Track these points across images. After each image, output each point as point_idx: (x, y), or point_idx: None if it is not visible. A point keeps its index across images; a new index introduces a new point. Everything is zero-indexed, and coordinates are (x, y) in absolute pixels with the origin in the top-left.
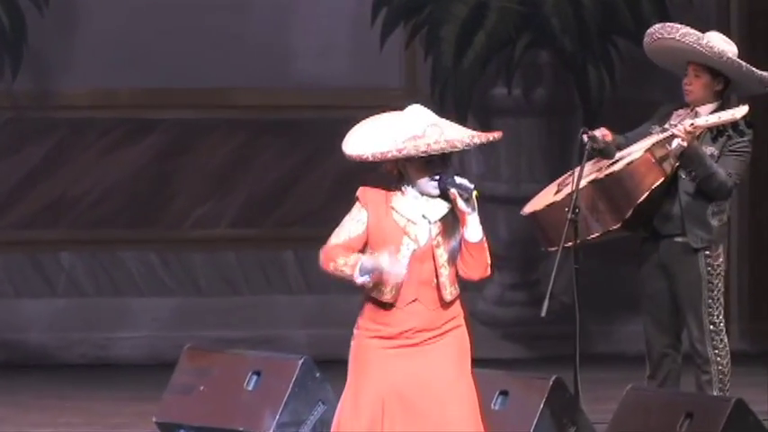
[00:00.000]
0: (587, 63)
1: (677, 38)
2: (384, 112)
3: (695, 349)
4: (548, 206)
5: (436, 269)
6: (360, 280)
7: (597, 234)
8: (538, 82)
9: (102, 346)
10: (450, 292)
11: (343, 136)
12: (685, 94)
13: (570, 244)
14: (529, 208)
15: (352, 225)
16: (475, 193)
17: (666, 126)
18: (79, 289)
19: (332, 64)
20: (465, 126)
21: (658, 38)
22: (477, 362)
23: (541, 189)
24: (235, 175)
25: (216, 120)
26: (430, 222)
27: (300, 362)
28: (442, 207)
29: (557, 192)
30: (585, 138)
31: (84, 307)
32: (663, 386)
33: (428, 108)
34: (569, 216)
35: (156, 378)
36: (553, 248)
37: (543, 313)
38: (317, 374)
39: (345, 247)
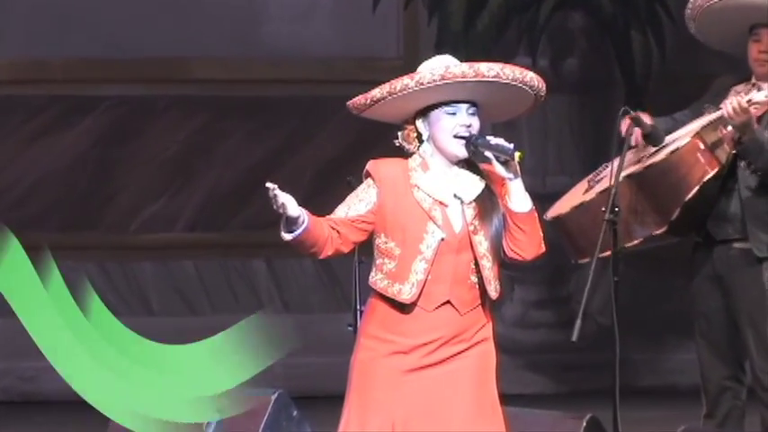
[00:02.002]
0: (630, 27)
1: None
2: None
3: (759, 381)
4: (575, 208)
5: (477, 261)
6: (285, 237)
7: (638, 240)
8: (569, 51)
9: (28, 379)
10: (495, 288)
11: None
12: (756, 65)
13: (608, 254)
14: (553, 212)
15: (354, 202)
16: (518, 154)
17: (722, 106)
18: (0, 308)
19: (312, 28)
20: None
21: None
22: None
23: (573, 184)
24: (193, 166)
25: (169, 97)
26: (464, 203)
27: (274, 397)
28: (478, 184)
29: (587, 190)
30: (627, 120)
31: (7, 330)
32: (723, 427)
33: None
34: (606, 217)
35: (94, 417)
36: (584, 259)
37: (574, 338)
38: (294, 413)
39: (338, 223)
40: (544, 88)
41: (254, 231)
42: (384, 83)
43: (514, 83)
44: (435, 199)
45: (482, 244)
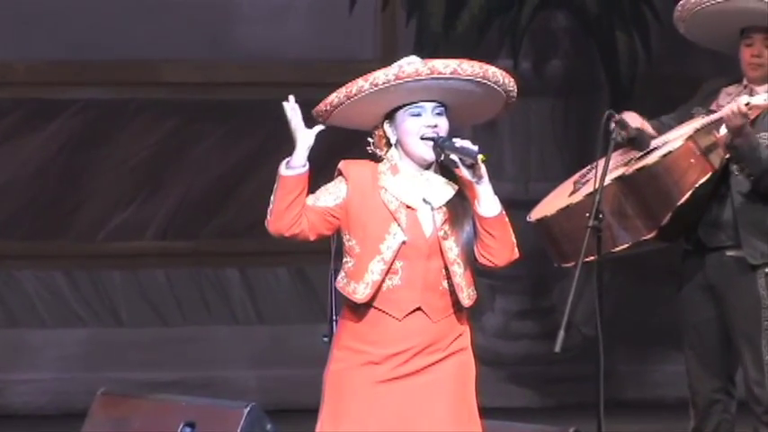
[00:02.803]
0: (615, 28)
1: None
2: None
3: (752, 394)
4: (561, 210)
5: (447, 267)
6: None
7: (625, 246)
8: (552, 52)
9: None
10: (468, 295)
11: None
12: (749, 69)
13: (592, 258)
14: (537, 213)
15: (324, 195)
16: (481, 157)
17: (713, 108)
18: None
19: (287, 30)
20: None
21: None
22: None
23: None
24: (164, 171)
25: (139, 101)
26: (433, 208)
27: (246, 410)
28: (448, 189)
29: (572, 192)
30: (612, 123)
31: None
32: None
33: None
34: (591, 223)
35: (62, 431)
36: (568, 264)
37: (557, 348)
38: (269, 427)
39: (306, 208)
40: (512, 84)
41: (227, 239)
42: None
43: (475, 78)
44: (403, 202)
45: (452, 250)
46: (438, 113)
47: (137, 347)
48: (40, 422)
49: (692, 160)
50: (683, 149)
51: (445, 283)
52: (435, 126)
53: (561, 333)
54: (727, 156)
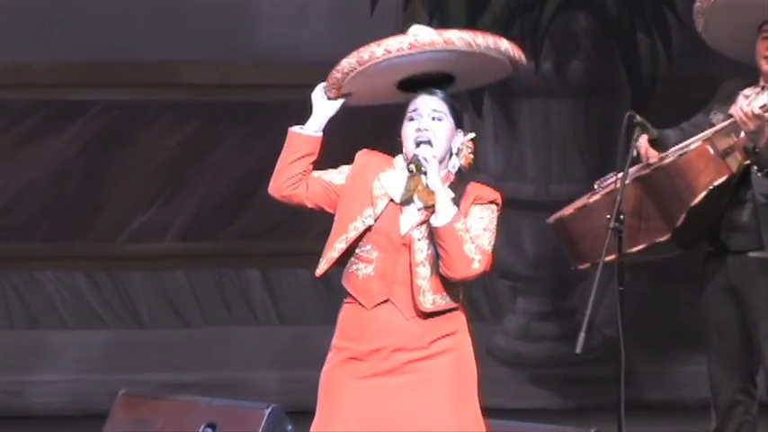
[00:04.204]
0: (636, 29)
1: None
2: None
3: None
4: (578, 209)
5: (411, 267)
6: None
7: (641, 247)
8: (573, 53)
9: (14, 393)
10: (429, 300)
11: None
12: (765, 63)
13: (611, 258)
14: (555, 215)
15: (333, 172)
16: (412, 166)
17: (732, 112)
18: None
19: (308, 31)
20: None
21: None
22: (495, 412)
23: (578, 191)
24: (185, 173)
25: (160, 103)
26: (418, 209)
27: (267, 412)
28: (432, 195)
29: (592, 194)
30: (633, 123)
31: None
32: None
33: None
34: (612, 225)
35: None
36: (584, 265)
37: (579, 350)
38: (290, 428)
39: (311, 176)
40: (523, 57)
41: (248, 240)
42: None
43: (489, 53)
44: (387, 193)
45: (422, 252)
46: (435, 118)
47: (158, 349)
48: (60, 423)
49: (708, 161)
50: (698, 150)
51: (418, 282)
52: (426, 130)
53: (582, 334)
54: (747, 162)
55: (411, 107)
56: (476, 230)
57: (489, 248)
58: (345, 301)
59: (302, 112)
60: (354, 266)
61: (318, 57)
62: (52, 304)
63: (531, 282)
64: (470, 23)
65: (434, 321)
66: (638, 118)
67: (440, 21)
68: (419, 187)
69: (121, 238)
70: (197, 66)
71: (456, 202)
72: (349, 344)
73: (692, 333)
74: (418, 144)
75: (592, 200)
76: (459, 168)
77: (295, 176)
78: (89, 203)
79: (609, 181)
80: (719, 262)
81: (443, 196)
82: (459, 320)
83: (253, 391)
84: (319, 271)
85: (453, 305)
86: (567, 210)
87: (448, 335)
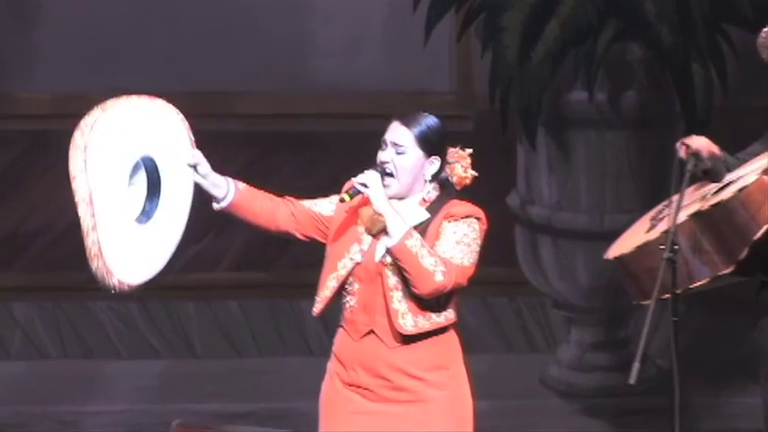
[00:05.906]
0: (691, 59)
1: None
2: None
3: None
4: (638, 248)
5: (384, 292)
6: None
7: (703, 281)
8: (627, 84)
9: (68, 423)
10: (410, 323)
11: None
12: None
13: (669, 296)
14: (614, 251)
15: (323, 202)
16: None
17: None
18: (38, 349)
19: (361, 62)
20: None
21: None
22: None
23: (632, 222)
24: None
25: (214, 133)
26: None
27: None
28: (412, 221)
29: (650, 228)
30: (684, 153)
31: (45, 372)
32: None
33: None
34: (666, 255)
35: None
36: (647, 301)
37: (632, 380)
38: None
39: (296, 206)
40: None
41: (301, 270)
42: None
43: None
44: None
45: (393, 276)
46: (398, 152)
47: (211, 379)
48: None
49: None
50: (757, 184)
51: (394, 306)
52: (386, 162)
53: (636, 365)
54: None
55: (385, 133)
56: (447, 245)
57: (464, 261)
58: (339, 324)
59: (356, 142)
60: (344, 299)
61: (372, 87)
62: (106, 334)
63: (584, 312)
64: (523, 54)
65: (422, 346)
66: (692, 147)
67: (493, 51)
68: (370, 213)
69: (175, 268)
70: (252, 96)
71: (433, 221)
72: (341, 371)
73: (746, 364)
74: (382, 173)
75: (651, 237)
76: (453, 187)
77: (274, 218)
78: None
79: (665, 212)
80: None
81: (392, 217)
82: (451, 349)
83: (305, 421)
84: (316, 310)
85: (441, 324)
86: (626, 247)
87: (441, 367)
